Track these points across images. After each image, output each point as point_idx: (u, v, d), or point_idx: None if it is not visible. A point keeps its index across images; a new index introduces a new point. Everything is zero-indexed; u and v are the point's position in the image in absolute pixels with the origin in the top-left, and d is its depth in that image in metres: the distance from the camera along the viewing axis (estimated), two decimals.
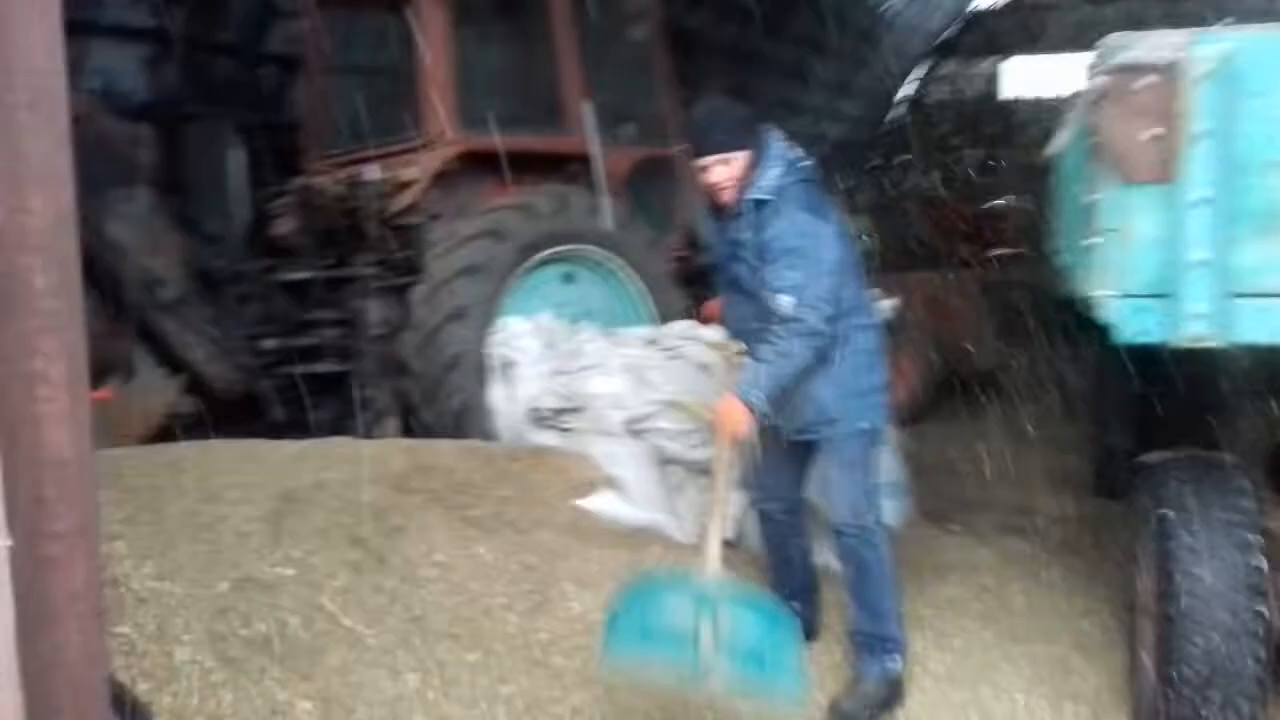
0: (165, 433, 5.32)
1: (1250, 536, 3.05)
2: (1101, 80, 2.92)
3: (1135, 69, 2.86)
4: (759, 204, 3.35)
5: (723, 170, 3.37)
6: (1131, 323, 2.90)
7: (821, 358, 3.31)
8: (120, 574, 3.11)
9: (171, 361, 5.34)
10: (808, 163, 3.48)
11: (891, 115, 24.05)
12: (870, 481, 3.57)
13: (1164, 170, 2.85)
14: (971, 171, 23.46)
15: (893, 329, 6.94)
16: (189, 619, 3.03)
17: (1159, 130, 2.84)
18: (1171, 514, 3.14)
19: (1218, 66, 2.78)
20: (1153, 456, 3.45)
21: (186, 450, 4.04)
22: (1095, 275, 2.96)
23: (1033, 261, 10.92)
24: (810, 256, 3.26)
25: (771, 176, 3.34)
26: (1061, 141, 3.12)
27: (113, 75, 8.88)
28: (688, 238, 7.30)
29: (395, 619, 3.62)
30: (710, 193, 3.46)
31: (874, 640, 3.57)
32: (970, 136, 23.88)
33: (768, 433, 3.56)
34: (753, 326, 3.43)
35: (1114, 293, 2.90)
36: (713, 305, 3.97)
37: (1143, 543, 3.44)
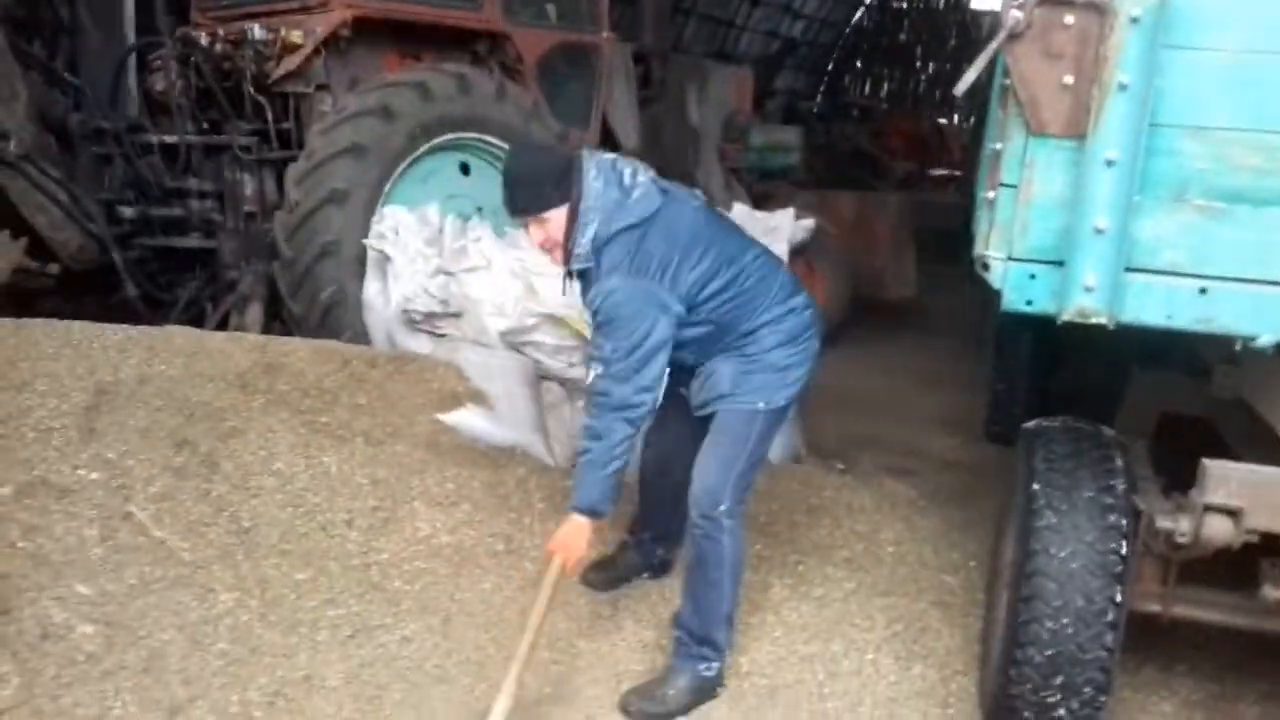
0: (13, 299, 4.93)
1: (1116, 520, 2.91)
2: (1018, 14, 2.61)
3: (1056, 5, 2.57)
4: (581, 275, 3.05)
5: (540, 233, 3.02)
6: (1018, 290, 2.67)
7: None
8: None
9: (15, 223, 4.88)
10: (641, 183, 3.01)
11: (855, 18, 23.42)
12: (744, 470, 3.17)
13: (1075, 123, 2.59)
14: (926, 86, 23.14)
15: (807, 249, 6.77)
16: None
17: (1073, 78, 2.57)
18: (1039, 488, 2.99)
19: (1148, 10, 2.49)
20: (1030, 424, 3.29)
21: None
22: (987, 234, 2.71)
23: (965, 188, 10.75)
24: (622, 326, 2.92)
25: (584, 243, 2.95)
26: (969, 79, 2.81)
27: None
28: (605, 134, 6.95)
29: (218, 531, 3.37)
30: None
31: (694, 641, 3.22)
32: (932, 48, 23.47)
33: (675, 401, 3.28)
34: None
35: (1002, 255, 2.66)
36: None
37: (1010, 512, 3.31)
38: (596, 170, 2.96)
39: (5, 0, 4.90)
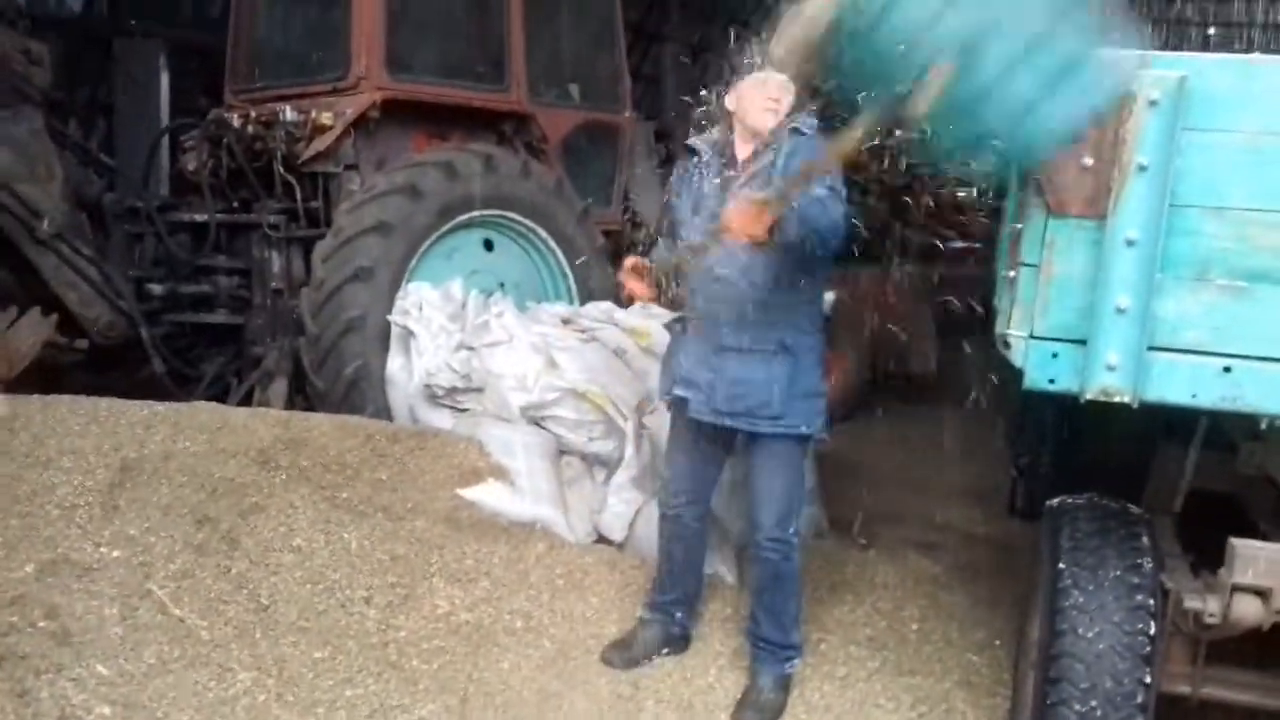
0: (41, 375, 5.00)
1: (1144, 600, 2.86)
2: None
3: None
4: (795, 134, 3.27)
5: (789, 99, 3.29)
6: (1040, 369, 2.66)
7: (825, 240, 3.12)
8: None
9: (46, 300, 4.97)
10: None
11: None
12: (801, 491, 3.51)
13: (1095, 204, 2.61)
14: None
15: (828, 323, 6.76)
16: None
17: (1093, 159, 2.60)
18: (1065, 567, 2.95)
19: (1167, 93, 2.53)
20: (1054, 501, 3.26)
21: (26, 405, 3.70)
22: (1009, 312, 2.71)
23: (987, 262, 10.74)
24: (838, 191, 3.17)
25: (813, 119, 3.30)
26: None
27: None
28: (626, 211, 7.03)
29: (237, 609, 3.35)
30: (755, 112, 3.29)
31: (778, 647, 3.53)
32: None
33: (686, 425, 3.48)
34: (715, 288, 3.30)
35: (1023, 334, 2.66)
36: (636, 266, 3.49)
37: (1036, 590, 3.26)
38: None
39: (43, 83, 5.03)
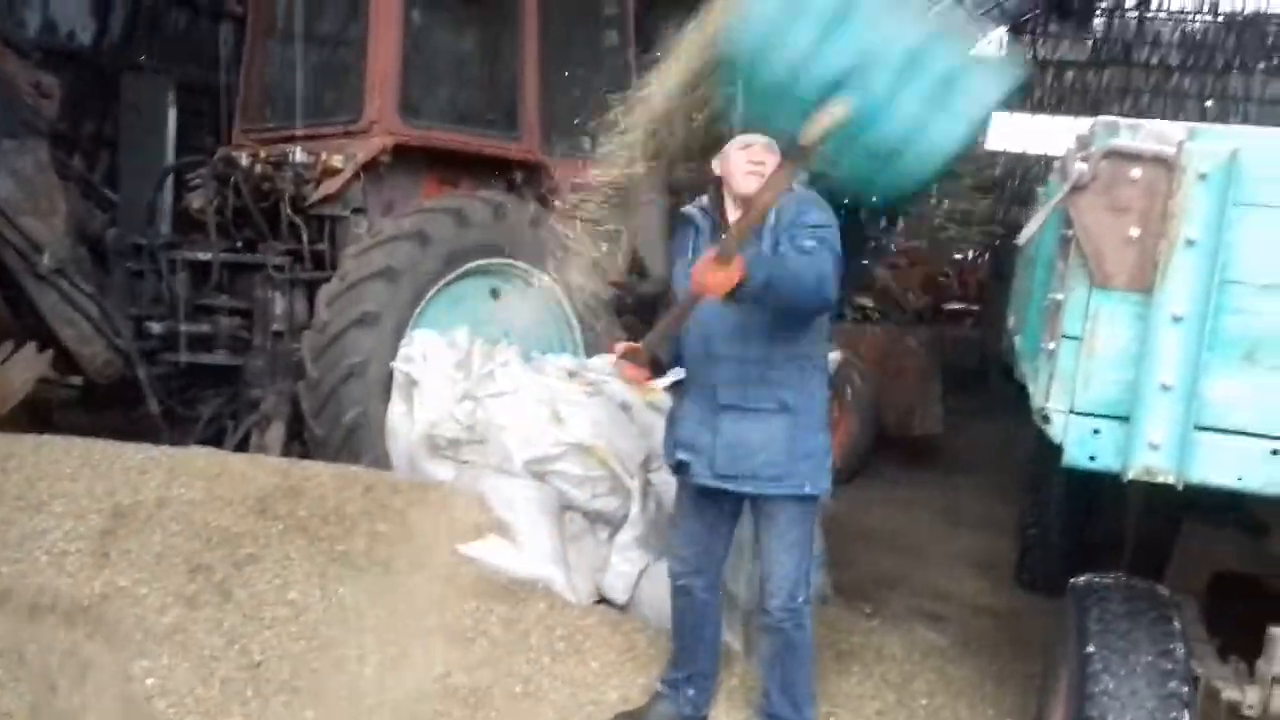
0: (33, 411, 4.88)
1: (1177, 687, 2.75)
2: (1083, 166, 2.58)
3: (1123, 158, 2.54)
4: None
5: (774, 159, 3.11)
6: (1080, 445, 2.57)
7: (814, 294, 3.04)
8: None
9: (42, 335, 4.86)
10: None
11: None
12: (809, 555, 3.35)
13: (1141, 277, 2.54)
14: (941, 222, 23.39)
15: (833, 384, 6.68)
16: None
17: (1139, 231, 2.53)
18: (1094, 650, 2.84)
19: (1217, 167, 2.46)
20: (1081, 579, 3.15)
21: (19, 445, 3.58)
22: (1047, 386, 2.63)
23: (989, 325, 10.75)
24: (829, 243, 3.11)
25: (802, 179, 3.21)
26: (1032, 229, 2.78)
27: (58, 14, 8.42)
28: (635, 263, 6.96)
29: (228, 666, 3.21)
30: (739, 177, 3.19)
31: None
32: (946, 186, 23.77)
33: (690, 491, 3.38)
34: (720, 351, 3.21)
35: (1063, 409, 2.57)
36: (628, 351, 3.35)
37: (1058, 671, 3.15)
38: None
39: (49, 115, 4.95)
